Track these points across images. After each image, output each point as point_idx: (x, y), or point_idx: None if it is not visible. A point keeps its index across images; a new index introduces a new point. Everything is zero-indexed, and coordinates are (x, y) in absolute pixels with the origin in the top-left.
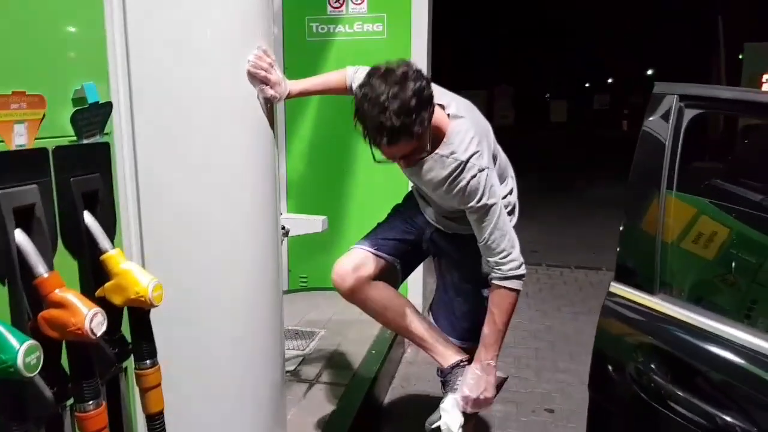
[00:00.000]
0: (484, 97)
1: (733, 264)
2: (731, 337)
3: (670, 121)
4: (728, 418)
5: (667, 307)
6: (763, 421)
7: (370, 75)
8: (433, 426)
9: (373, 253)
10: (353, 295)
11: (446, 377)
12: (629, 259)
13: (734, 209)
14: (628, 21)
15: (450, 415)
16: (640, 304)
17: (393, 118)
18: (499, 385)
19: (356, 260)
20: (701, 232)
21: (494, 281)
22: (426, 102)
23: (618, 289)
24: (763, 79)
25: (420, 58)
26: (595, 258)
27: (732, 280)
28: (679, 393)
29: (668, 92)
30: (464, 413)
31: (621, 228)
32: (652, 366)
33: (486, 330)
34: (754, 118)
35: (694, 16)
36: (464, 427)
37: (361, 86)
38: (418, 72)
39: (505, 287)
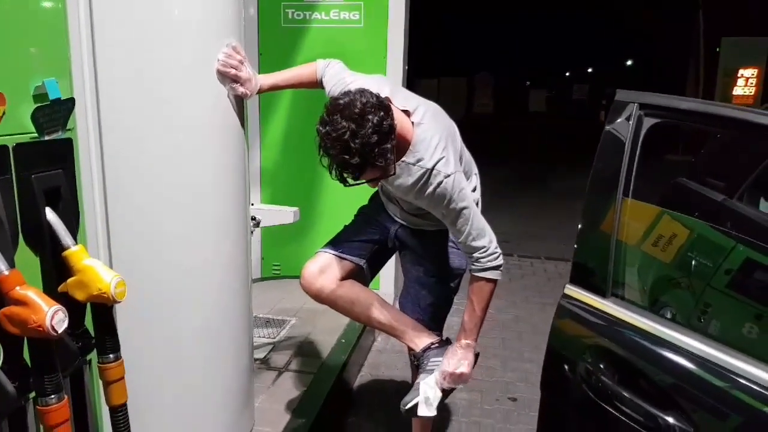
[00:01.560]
0: (464, 84)
1: (689, 267)
2: (675, 341)
3: (630, 128)
4: (670, 419)
5: (617, 310)
6: (702, 422)
7: (330, 111)
8: (408, 406)
9: (337, 256)
10: (321, 296)
11: (420, 360)
12: (584, 261)
13: (696, 210)
14: (608, 10)
15: (431, 389)
16: (592, 307)
17: (356, 156)
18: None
19: (321, 264)
20: (661, 235)
21: (474, 273)
22: (387, 134)
23: (572, 291)
24: (738, 74)
25: (396, 48)
26: (565, 249)
27: (687, 283)
28: (625, 394)
29: (629, 100)
30: (442, 390)
31: (578, 230)
32: (601, 367)
33: (466, 317)
34: (711, 129)
35: (674, 8)
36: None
37: (323, 123)
38: (377, 103)
39: (484, 278)
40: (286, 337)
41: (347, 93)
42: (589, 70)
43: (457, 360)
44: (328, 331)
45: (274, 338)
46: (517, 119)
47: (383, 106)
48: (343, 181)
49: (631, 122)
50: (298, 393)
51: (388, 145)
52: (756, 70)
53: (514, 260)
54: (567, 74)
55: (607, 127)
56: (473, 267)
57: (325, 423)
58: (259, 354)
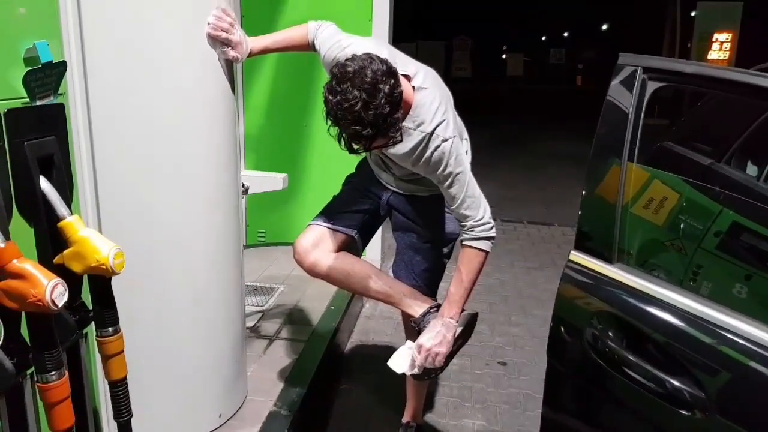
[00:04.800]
0: (443, 48)
1: (681, 229)
2: (682, 305)
3: (633, 92)
4: (677, 383)
5: (624, 276)
6: (711, 387)
7: (339, 79)
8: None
9: (329, 228)
10: (315, 270)
11: (420, 325)
12: (589, 228)
13: (685, 174)
14: None
15: (402, 357)
16: (599, 273)
17: (368, 128)
18: (471, 322)
19: (314, 237)
20: (653, 198)
21: (465, 242)
22: (398, 103)
23: (578, 257)
24: (713, 38)
25: (382, 10)
26: (547, 213)
27: (679, 245)
28: (632, 359)
29: (632, 64)
30: (416, 373)
31: (582, 197)
32: (609, 333)
33: (452, 288)
34: (716, 92)
35: None
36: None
37: (331, 92)
38: (387, 70)
39: (475, 248)
40: (275, 304)
41: (354, 58)
42: (565, 34)
43: (436, 337)
44: (316, 298)
45: (263, 306)
46: (496, 83)
47: (392, 72)
48: (351, 150)
49: (634, 86)
50: (290, 361)
51: (399, 115)
52: (730, 35)
53: (498, 225)
54: (543, 38)
55: (610, 91)
56: (465, 236)
57: (319, 391)
58: (249, 322)
